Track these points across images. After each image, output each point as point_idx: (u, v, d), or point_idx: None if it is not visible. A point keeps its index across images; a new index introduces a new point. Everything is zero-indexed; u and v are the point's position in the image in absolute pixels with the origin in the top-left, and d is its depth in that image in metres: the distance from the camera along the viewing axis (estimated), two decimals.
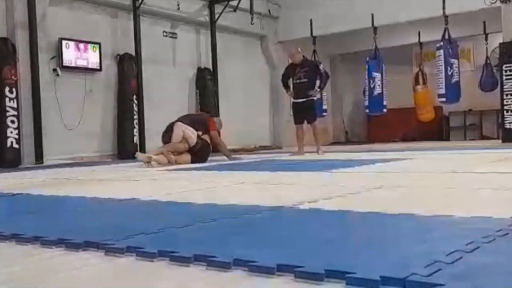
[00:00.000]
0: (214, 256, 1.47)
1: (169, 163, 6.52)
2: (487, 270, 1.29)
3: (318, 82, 8.15)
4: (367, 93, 11.49)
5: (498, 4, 9.85)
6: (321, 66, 8.65)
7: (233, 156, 7.65)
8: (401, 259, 1.39)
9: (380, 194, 2.98)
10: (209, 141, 7.23)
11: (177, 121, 7.14)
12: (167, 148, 6.77)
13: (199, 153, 6.95)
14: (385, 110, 11.50)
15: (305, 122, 8.21)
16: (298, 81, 8.13)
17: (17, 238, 1.93)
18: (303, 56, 8.33)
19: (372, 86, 11.31)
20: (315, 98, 8.31)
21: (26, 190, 3.89)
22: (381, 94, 11.37)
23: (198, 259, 1.49)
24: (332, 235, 1.82)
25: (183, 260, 1.50)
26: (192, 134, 6.92)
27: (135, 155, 7.01)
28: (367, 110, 11.71)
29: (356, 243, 1.68)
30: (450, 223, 1.95)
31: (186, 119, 7.24)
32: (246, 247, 1.64)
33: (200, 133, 7.08)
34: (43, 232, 1.94)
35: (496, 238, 1.61)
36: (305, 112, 8.13)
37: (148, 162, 6.46)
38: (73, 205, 3.05)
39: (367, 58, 11.49)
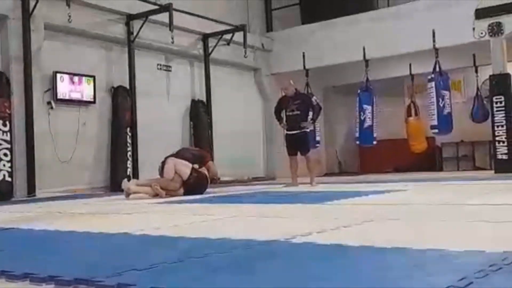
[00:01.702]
0: None
1: (158, 196, 6.45)
2: None
3: (311, 114, 8.21)
4: (357, 124, 11.58)
5: (487, 37, 10.04)
6: (313, 98, 8.74)
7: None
8: None
9: (372, 227, 2.97)
10: (207, 174, 7.11)
11: (175, 154, 7.09)
12: (157, 182, 6.70)
13: (193, 186, 6.86)
14: (375, 142, 11.57)
15: (299, 153, 8.24)
16: (291, 113, 8.18)
17: (7, 275, 1.90)
18: (296, 89, 8.40)
19: (362, 118, 11.41)
20: (308, 130, 8.35)
21: (17, 224, 3.85)
22: (371, 126, 11.45)
23: None
24: (323, 270, 1.81)
25: None
26: (185, 168, 6.76)
27: (122, 183, 6.96)
28: (357, 142, 11.79)
29: (347, 278, 1.67)
30: (442, 257, 1.95)
31: (186, 153, 7.17)
32: (238, 284, 1.63)
33: (196, 166, 7.00)
34: (33, 269, 1.92)
35: (489, 274, 1.60)
36: (298, 143, 8.16)
37: (128, 194, 6.44)
38: (64, 240, 3.02)
39: (359, 91, 11.61)
